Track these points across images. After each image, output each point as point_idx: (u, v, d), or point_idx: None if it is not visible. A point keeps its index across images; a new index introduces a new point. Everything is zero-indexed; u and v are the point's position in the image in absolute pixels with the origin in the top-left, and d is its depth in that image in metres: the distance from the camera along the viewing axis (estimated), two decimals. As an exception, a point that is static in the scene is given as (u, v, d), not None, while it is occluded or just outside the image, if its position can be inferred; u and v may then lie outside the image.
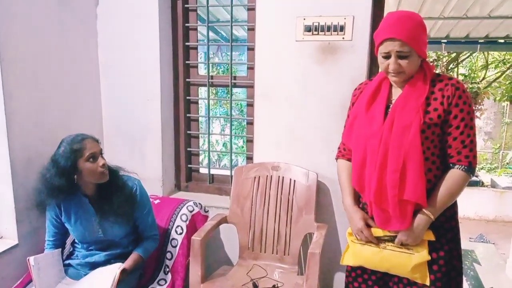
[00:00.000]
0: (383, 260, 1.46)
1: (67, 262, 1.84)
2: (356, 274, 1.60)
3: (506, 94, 6.91)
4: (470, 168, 1.38)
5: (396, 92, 1.46)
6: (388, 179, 1.39)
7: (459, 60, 6.88)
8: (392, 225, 1.43)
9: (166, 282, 1.95)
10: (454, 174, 1.39)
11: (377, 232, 1.47)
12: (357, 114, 1.52)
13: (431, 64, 1.48)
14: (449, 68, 6.61)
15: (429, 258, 1.40)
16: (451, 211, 1.46)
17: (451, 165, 1.40)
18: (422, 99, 1.37)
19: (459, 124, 1.36)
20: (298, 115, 2.19)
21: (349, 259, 1.56)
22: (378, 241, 1.47)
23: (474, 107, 1.38)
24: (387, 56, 1.37)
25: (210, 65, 2.45)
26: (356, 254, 1.53)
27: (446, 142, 1.41)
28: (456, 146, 1.38)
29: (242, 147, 5.92)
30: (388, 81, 1.47)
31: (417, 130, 1.34)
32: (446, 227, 1.45)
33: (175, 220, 2.08)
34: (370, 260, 1.50)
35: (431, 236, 1.42)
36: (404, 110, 1.38)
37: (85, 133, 1.73)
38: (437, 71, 1.44)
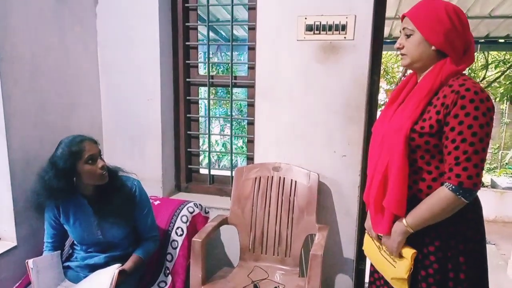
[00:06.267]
0: (378, 261, 1.45)
1: (66, 264, 1.82)
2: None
3: (506, 94, 6.90)
4: (460, 189, 1.18)
5: None
6: (374, 179, 1.36)
7: (459, 60, 6.85)
8: (377, 227, 1.41)
9: (166, 284, 1.93)
10: (440, 192, 1.23)
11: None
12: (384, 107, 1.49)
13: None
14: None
15: (404, 276, 1.30)
16: (439, 232, 1.28)
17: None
18: (416, 102, 1.27)
19: (455, 138, 1.18)
20: (299, 115, 2.17)
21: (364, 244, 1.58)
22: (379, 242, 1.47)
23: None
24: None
25: (210, 65, 2.43)
26: (366, 243, 1.55)
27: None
28: (450, 161, 1.20)
29: (242, 147, 5.90)
30: (415, 78, 1.39)
31: (402, 137, 1.25)
32: (431, 250, 1.30)
33: (175, 221, 2.06)
34: (371, 256, 1.51)
35: (408, 254, 1.30)
36: (402, 111, 1.32)
37: (83, 134, 1.70)
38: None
